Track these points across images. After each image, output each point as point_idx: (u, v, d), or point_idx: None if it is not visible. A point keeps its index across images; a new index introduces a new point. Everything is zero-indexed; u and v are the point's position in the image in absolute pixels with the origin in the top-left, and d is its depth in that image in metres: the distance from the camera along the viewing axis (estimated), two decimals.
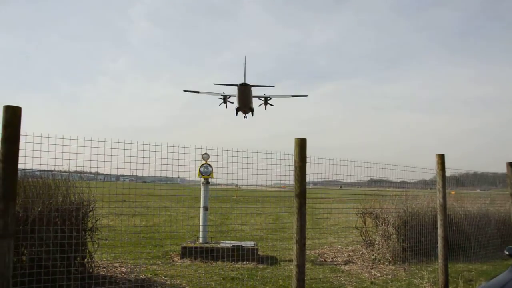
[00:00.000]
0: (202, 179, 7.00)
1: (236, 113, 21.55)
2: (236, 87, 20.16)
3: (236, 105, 21.27)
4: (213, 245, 6.62)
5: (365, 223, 7.67)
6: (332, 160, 4.89)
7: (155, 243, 8.08)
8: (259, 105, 22.04)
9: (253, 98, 21.24)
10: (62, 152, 3.62)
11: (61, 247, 4.20)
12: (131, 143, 3.92)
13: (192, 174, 4.65)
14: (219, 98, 21.61)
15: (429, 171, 5.70)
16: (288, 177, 4.55)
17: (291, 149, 4.10)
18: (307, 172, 4.06)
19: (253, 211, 14.03)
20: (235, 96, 21.05)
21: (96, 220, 4.79)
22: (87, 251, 4.64)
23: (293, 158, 4.05)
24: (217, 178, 5.40)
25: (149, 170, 4.08)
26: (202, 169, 6.79)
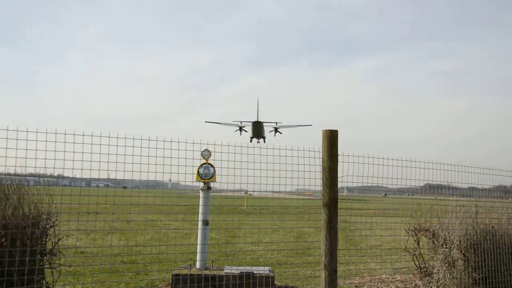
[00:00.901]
0: (202, 184, 7.12)
1: (251, 141, 37.32)
2: (250, 121, 38.51)
3: (250, 134, 38.90)
4: (215, 272, 6.56)
5: (418, 244, 7.49)
6: (373, 158, 4.88)
7: (137, 269, 8.08)
8: (270, 131, 39.43)
9: (266, 127, 39.19)
10: (16, 149, 3.49)
11: (8, 277, 3.71)
12: (109, 137, 3.96)
13: (188, 177, 4.74)
14: (236, 131, 40.12)
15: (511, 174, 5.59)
16: (314, 181, 4.58)
17: (317, 144, 4.13)
18: (339, 174, 4.08)
19: (268, 226, 14.12)
20: (249, 125, 39.23)
21: (59, 240, 4.44)
22: (44, 282, 4.21)
23: (321, 156, 4.08)
24: (221, 182, 5.51)
25: (132, 172, 4.16)
26: (201, 171, 6.89)
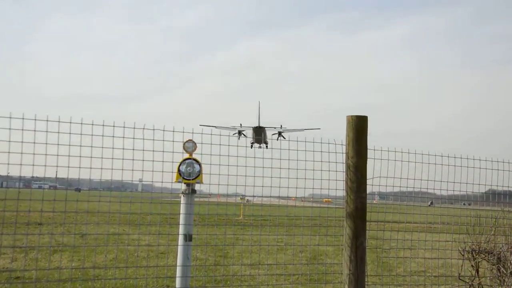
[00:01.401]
0: (183, 186, 7.19)
1: (251, 147, 41.72)
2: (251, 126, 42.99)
3: (251, 140, 44.29)
4: None
5: (478, 272, 7.44)
6: (415, 154, 4.94)
7: None
8: (273, 134, 47.55)
9: (268, 131, 44.12)
10: None
11: None
12: (59, 122, 3.98)
13: (165, 177, 4.81)
14: (234, 134, 44.15)
15: None
16: (335, 184, 4.64)
17: (340, 134, 4.18)
18: (368, 175, 4.14)
19: (271, 243, 14.23)
20: (250, 129, 45.65)
21: None
22: None
23: (344, 151, 4.14)
24: (209, 184, 5.61)
25: (90, 169, 4.21)
26: (183, 168, 6.95)
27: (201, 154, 6.43)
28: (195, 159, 7.06)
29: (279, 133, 56.02)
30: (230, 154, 4.65)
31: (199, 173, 6.98)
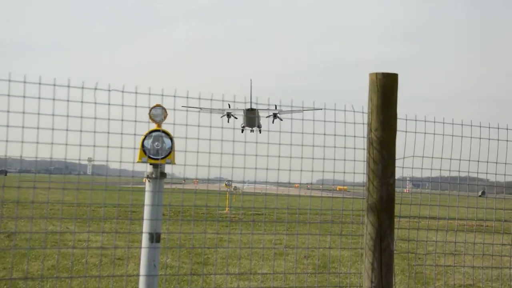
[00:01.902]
0: (149, 168, 7.26)
1: (242, 131, 46.10)
2: (242, 104, 42.05)
3: (242, 123, 56.82)
4: None
5: None
6: (462, 125, 4.99)
7: None
8: (267, 117, 61.21)
9: (262, 112, 54.89)
10: None
11: None
12: None
13: (125, 155, 4.85)
14: (222, 116, 50.32)
15: None
16: (352, 166, 4.70)
17: (359, 99, 4.23)
18: (398, 154, 4.19)
19: (267, 245, 14.36)
20: (240, 112, 56.54)
21: None
22: None
23: (364, 121, 4.19)
24: (184, 164, 5.67)
25: (21, 143, 4.24)
26: (148, 144, 6.99)
27: (173, 124, 6.46)
28: (165, 132, 7.09)
29: (275, 115, 64.88)
30: (213, 124, 4.68)
31: (171, 150, 7.03)
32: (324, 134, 4.86)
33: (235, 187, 57.70)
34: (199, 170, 5.58)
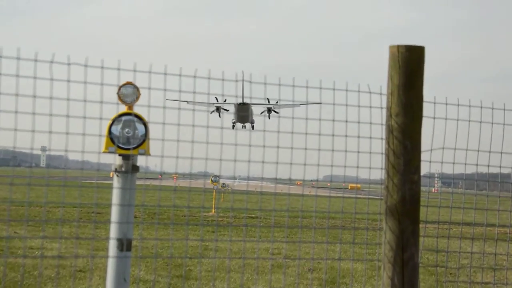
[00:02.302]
0: (118, 160, 7.29)
1: (233, 127, 54.25)
2: (234, 100, 58.11)
3: (233, 119, 71.94)
4: None
5: None
6: (504, 110, 5.00)
7: None
8: (261, 113, 73.85)
9: (255, 107, 75.63)
10: None
11: None
12: None
13: (88, 144, 4.85)
14: (212, 112, 66.56)
15: None
16: (366, 159, 4.71)
17: (376, 78, 4.23)
18: (424, 145, 4.20)
19: (263, 255, 14.37)
20: (230, 106, 72.02)
21: None
22: None
23: (383, 105, 4.19)
24: (162, 156, 5.69)
25: None
26: (117, 130, 7.01)
27: (149, 106, 6.48)
28: (137, 115, 7.10)
29: (269, 110, 72.08)
30: (198, 109, 4.67)
31: (144, 138, 7.05)
32: (333, 121, 4.86)
33: (223, 184, 58.01)
34: (180, 163, 5.58)
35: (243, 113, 70.30)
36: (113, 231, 7.11)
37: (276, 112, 68.40)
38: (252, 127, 76.00)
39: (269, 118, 68.27)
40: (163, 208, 30.65)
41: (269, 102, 69.02)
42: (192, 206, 32.82)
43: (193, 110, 5.31)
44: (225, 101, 75.74)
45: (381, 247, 4.27)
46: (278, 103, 70.68)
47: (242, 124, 72.76)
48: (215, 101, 69.86)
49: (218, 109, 70.29)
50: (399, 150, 4.20)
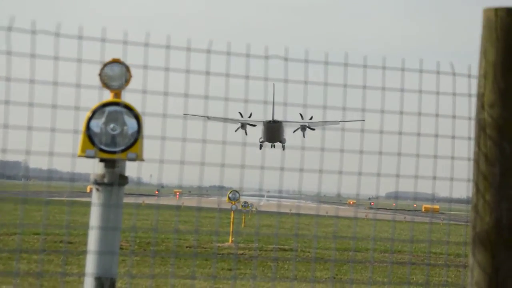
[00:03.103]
0: (98, 168, 7.33)
1: (260, 147, 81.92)
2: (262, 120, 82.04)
3: (261, 137, 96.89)
4: None
5: None
6: None
7: None
8: (294, 131, 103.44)
9: (289, 124, 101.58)
10: None
11: None
12: None
13: (59, 145, 4.90)
14: (236, 130, 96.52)
15: None
16: (448, 169, 4.70)
17: (464, 56, 4.25)
18: None
19: None
20: (256, 123, 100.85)
21: None
22: None
23: (472, 92, 4.20)
24: (160, 161, 5.71)
25: None
26: (97, 126, 7.05)
27: (142, 93, 6.53)
28: (127, 106, 7.14)
29: (304, 128, 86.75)
30: (212, 93, 4.70)
31: (136, 137, 7.08)
32: (401, 113, 4.85)
33: (245, 203, 57.16)
34: (185, 173, 5.62)
35: (273, 132, 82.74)
36: (90, 267, 7.16)
37: (312, 129, 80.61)
38: (283, 147, 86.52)
39: (303, 136, 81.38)
40: (161, 235, 30.74)
41: (302, 118, 77.62)
42: (202, 234, 32.85)
43: (206, 98, 5.36)
44: (250, 116, 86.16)
45: None
46: (312, 119, 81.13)
47: (272, 144, 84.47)
48: (240, 117, 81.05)
49: (243, 125, 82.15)
50: (494, 155, 4.17)
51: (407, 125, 4.85)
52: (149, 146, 6.81)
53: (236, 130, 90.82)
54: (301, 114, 79.12)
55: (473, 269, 4.18)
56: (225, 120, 70.17)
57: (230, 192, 39.29)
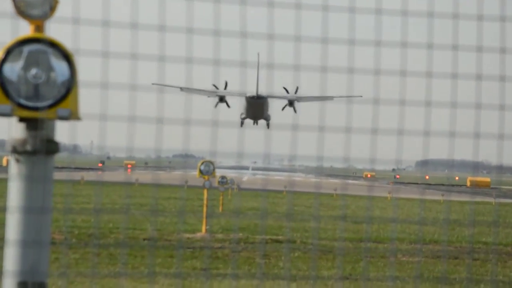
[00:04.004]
0: (17, 131, 7.33)
1: (242, 124, 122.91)
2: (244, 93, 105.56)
3: (242, 113, 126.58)
4: None
5: None
6: None
7: None
8: (283, 108, 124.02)
9: (275, 99, 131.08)
10: None
11: None
12: None
13: None
14: (216, 105, 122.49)
15: None
16: (494, 124, 4.77)
17: None
18: None
19: None
20: (239, 97, 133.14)
21: None
22: None
23: None
24: (103, 122, 5.78)
25: None
26: (12, 72, 7.02)
27: (75, 25, 6.58)
28: (54, 43, 7.13)
29: (290, 102, 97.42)
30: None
31: (69, 87, 7.08)
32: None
33: (223, 178, 55.65)
34: (140, 138, 5.69)
35: (256, 108, 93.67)
36: (10, 265, 7.18)
37: (295, 111, 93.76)
38: (268, 124, 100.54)
39: (295, 111, 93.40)
40: (108, 223, 30.77)
41: (288, 92, 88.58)
42: (163, 221, 32.74)
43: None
44: (226, 87, 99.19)
45: None
46: (297, 92, 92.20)
47: (254, 120, 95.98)
48: (215, 89, 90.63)
49: (221, 99, 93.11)
50: None
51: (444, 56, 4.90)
52: (87, 100, 6.80)
53: (216, 106, 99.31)
54: (285, 88, 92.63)
55: None
56: (198, 91, 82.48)
57: (202, 163, 37.92)
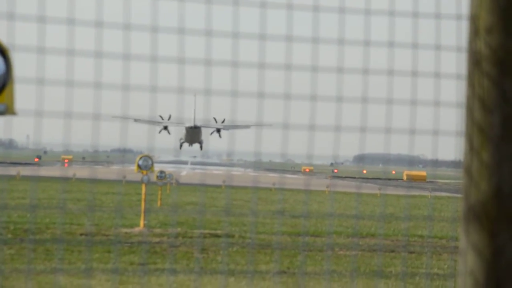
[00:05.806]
0: None
1: (180, 147, 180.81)
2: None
3: (182, 139, 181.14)
4: None
5: None
6: None
7: None
8: (211, 133, 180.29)
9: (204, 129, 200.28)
10: None
11: None
12: None
13: None
14: (160, 131, 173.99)
15: None
16: (429, 120, 4.78)
17: None
18: None
19: None
20: (178, 126, 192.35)
21: None
22: None
23: (468, 14, 4.34)
24: (50, 130, 5.76)
25: None
26: None
27: (10, 21, 6.54)
28: None
29: (219, 130, 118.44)
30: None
31: (4, 82, 7.02)
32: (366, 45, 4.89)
33: (161, 172, 56.02)
34: (77, 132, 5.69)
35: (193, 136, 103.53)
36: None
37: (220, 136, 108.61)
38: (201, 147, 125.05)
39: (220, 136, 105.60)
40: (44, 218, 30.68)
41: (216, 122, 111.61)
42: (101, 216, 32.78)
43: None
44: (169, 118, 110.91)
45: (458, 281, 4.29)
46: (224, 122, 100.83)
47: (190, 144, 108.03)
48: (162, 119, 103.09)
49: (165, 128, 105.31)
50: (493, 99, 4.15)
51: (379, 59, 4.89)
52: (23, 94, 6.75)
53: (160, 132, 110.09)
54: (214, 118, 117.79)
55: (467, 253, 4.15)
56: (146, 122, 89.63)
57: (141, 158, 38.09)
